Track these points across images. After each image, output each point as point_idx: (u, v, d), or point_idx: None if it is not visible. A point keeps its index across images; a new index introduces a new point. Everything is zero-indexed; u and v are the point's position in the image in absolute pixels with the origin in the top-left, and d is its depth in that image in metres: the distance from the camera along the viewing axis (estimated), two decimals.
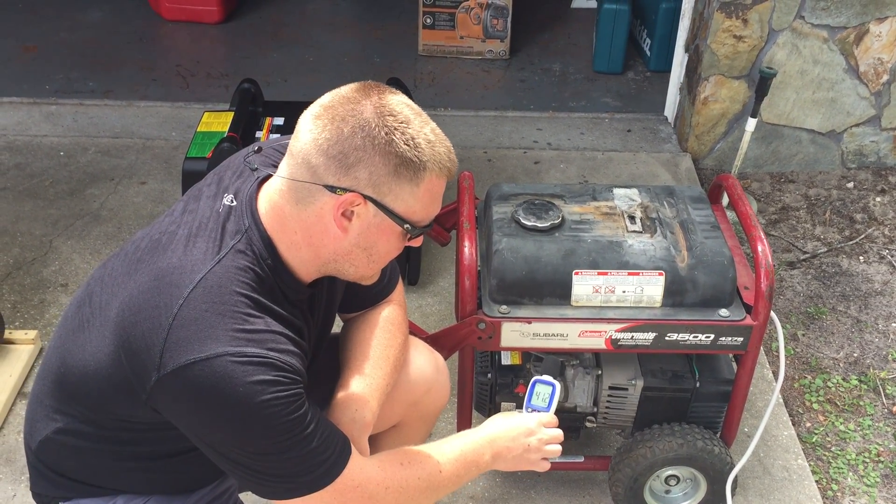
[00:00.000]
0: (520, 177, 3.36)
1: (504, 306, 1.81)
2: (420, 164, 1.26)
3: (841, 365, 2.63)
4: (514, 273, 1.78)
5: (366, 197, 1.27)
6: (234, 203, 1.35)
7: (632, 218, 1.89)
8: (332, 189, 1.26)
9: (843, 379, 2.57)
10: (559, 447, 1.58)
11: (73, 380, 1.38)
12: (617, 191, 1.98)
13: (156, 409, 1.29)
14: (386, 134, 1.24)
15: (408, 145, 1.25)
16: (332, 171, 1.25)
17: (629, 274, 1.78)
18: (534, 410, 1.60)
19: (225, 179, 1.41)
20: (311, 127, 1.27)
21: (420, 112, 1.31)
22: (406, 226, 1.31)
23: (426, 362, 1.71)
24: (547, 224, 1.83)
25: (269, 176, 1.36)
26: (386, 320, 1.61)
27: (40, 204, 3.14)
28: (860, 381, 2.57)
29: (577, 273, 1.78)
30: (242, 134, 2.60)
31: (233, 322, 1.24)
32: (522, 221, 1.84)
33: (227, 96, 3.66)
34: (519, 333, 1.81)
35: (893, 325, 2.77)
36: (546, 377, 1.62)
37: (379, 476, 1.38)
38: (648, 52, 4.19)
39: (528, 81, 4.13)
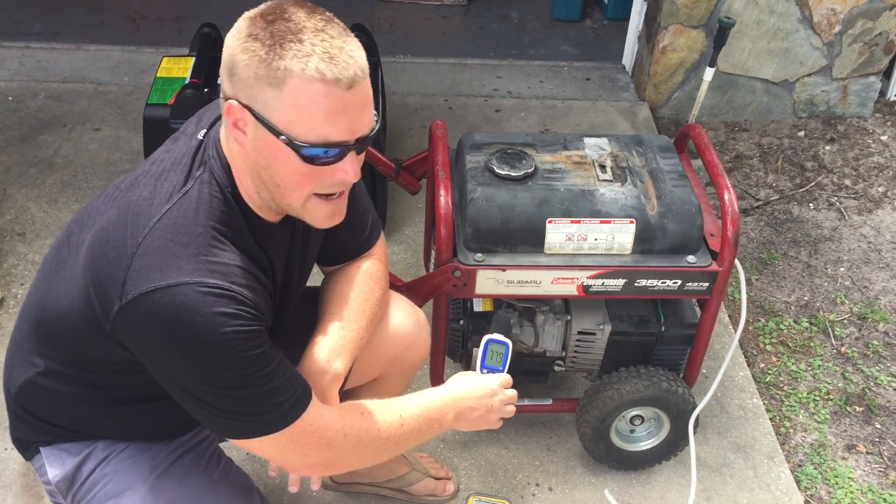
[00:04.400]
0: (482, 125, 3.37)
1: (479, 254, 1.83)
2: (276, 62, 1.16)
3: (792, 308, 2.73)
4: (489, 221, 1.81)
5: (242, 104, 1.20)
6: (204, 137, 1.34)
7: (602, 167, 1.92)
8: (227, 98, 1.23)
9: (795, 321, 2.68)
10: (514, 407, 1.62)
11: (50, 321, 1.37)
12: (587, 140, 2.00)
13: (121, 344, 1.28)
14: (248, 34, 1.18)
15: (262, 42, 1.17)
16: (226, 80, 1.23)
17: (601, 222, 1.82)
18: (489, 371, 1.60)
19: (204, 118, 1.40)
20: None
21: (318, 20, 1.20)
22: (282, 137, 1.19)
23: (407, 318, 1.71)
24: (521, 173, 1.86)
25: None
26: (365, 274, 1.60)
27: None
28: (810, 323, 2.68)
29: (550, 221, 1.82)
30: (205, 80, 2.55)
31: (196, 252, 1.23)
32: (496, 170, 1.86)
33: (180, 40, 3.58)
34: (493, 281, 1.84)
35: (841, 269, 2.88)
36: (498, 336, 1.61)
37: (338, 423, 1.38)
38: (606, 0, 4.20)
39: (486, 28, 4.11)
